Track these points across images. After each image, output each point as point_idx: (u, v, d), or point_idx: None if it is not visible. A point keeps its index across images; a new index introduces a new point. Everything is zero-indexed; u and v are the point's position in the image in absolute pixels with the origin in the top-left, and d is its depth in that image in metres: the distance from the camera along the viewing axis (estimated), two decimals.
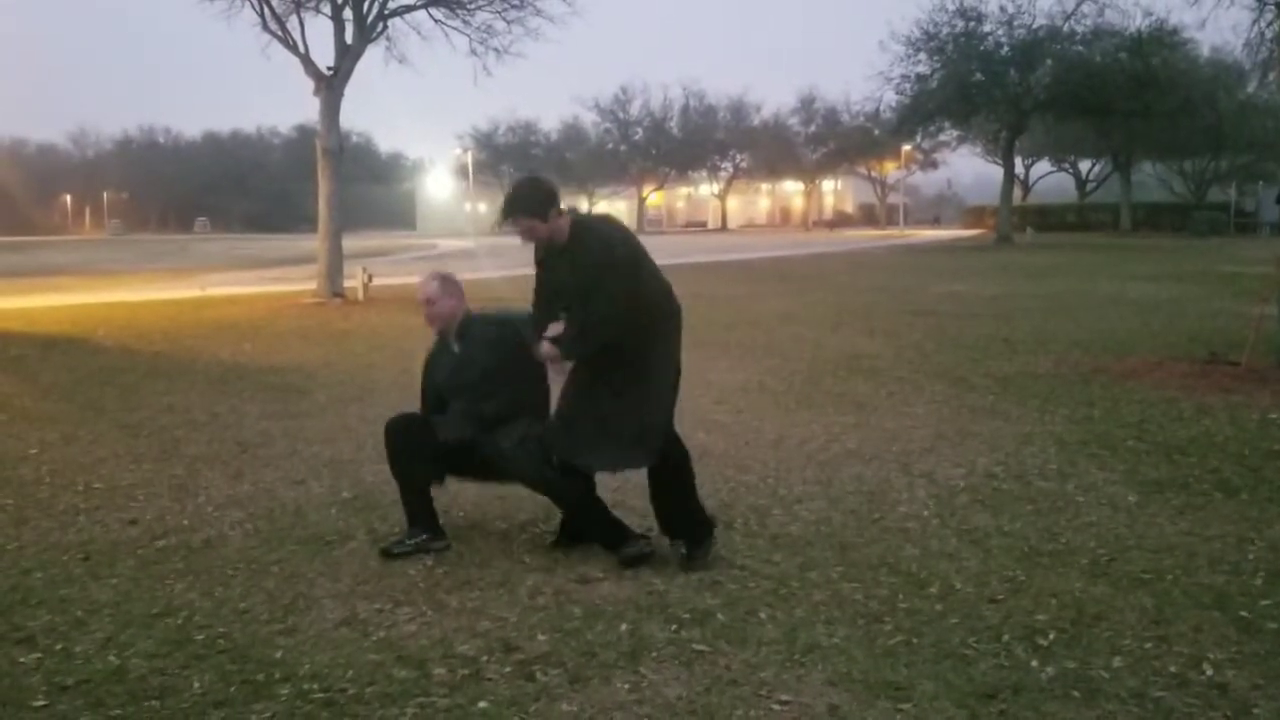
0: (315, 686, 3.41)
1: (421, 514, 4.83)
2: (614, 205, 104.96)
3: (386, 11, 19.80)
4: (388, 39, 20.78)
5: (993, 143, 58.34)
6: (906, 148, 75.67)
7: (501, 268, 21.36)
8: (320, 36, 19.48)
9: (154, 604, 4.15)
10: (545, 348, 4.54)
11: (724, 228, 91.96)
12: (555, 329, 4.58)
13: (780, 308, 16.69)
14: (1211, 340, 11.26)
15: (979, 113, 47.95)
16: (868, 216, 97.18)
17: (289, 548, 4.83)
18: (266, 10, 19.25)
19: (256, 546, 4.86)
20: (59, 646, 3.75)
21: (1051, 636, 3.72)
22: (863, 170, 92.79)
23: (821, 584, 4.27)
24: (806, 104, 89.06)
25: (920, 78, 46.08)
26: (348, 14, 19.16)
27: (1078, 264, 28.68)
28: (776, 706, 3.25)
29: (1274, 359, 9.57)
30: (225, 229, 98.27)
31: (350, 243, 19.20)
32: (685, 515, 4.66)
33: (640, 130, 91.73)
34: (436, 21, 20.96)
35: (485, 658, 3.61)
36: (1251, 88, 47.45)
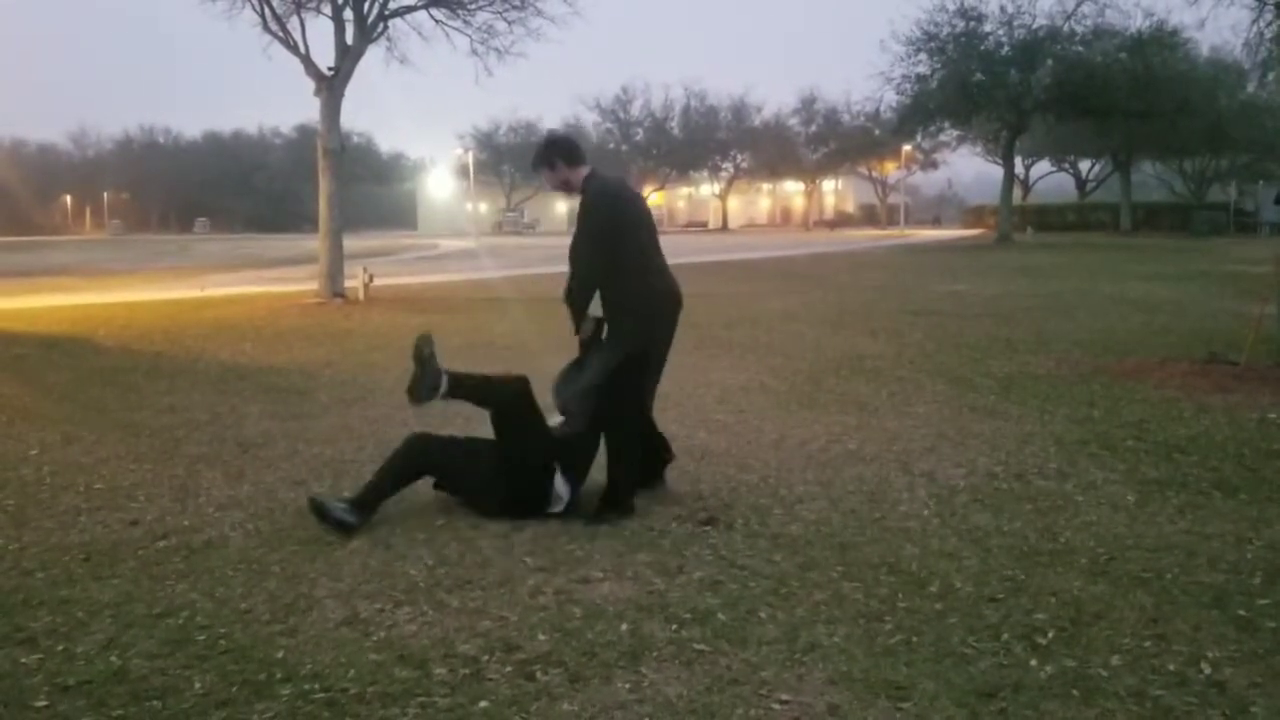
0: (317, 686, 3.41)
1: (372, 504, 5.15)
2: None
3: (387, 12, 19.81)
4: (388, 39, 20.80)
5: (993, 143, 58.40)
6: (907, 148, 75.75)
7: (502, 268, 21.44)
8: (321, 37, 19.50)
9: (155, 604, 4.15)
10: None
11: (725, 228, 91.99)
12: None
13: (781, 307, 16.70)
14: (1212, 340, 11.26)
15: (979, 113, 47.97)
16: (868, 216, 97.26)
17: (290, 548, 4.84)
18: (267, 11, 19.26)
19: (258, 547, 4.87)
20: (60, 647, 3.76)
21: (1051, 635, 3.72)
22: (863, 170, 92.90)
23: (822, 584, 4.28)
24: (807, 104, 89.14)
25: (921, 78, 46.13)
26: (348, 14, 19.16)
27: (1078, 264, 28.70)
28: (777, 706, 3.26)
29: (1274, 359, 9.58)
30: (226, 229, 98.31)
31: (351, 243, 19.21)
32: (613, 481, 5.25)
33: (641, 130, 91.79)
34: (437, 22, 20.98)
35: (486, 657, 3.62)
36: (1251, 87, 47.50)
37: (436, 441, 5.44)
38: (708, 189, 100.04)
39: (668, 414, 7.79)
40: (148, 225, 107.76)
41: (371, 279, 19.23)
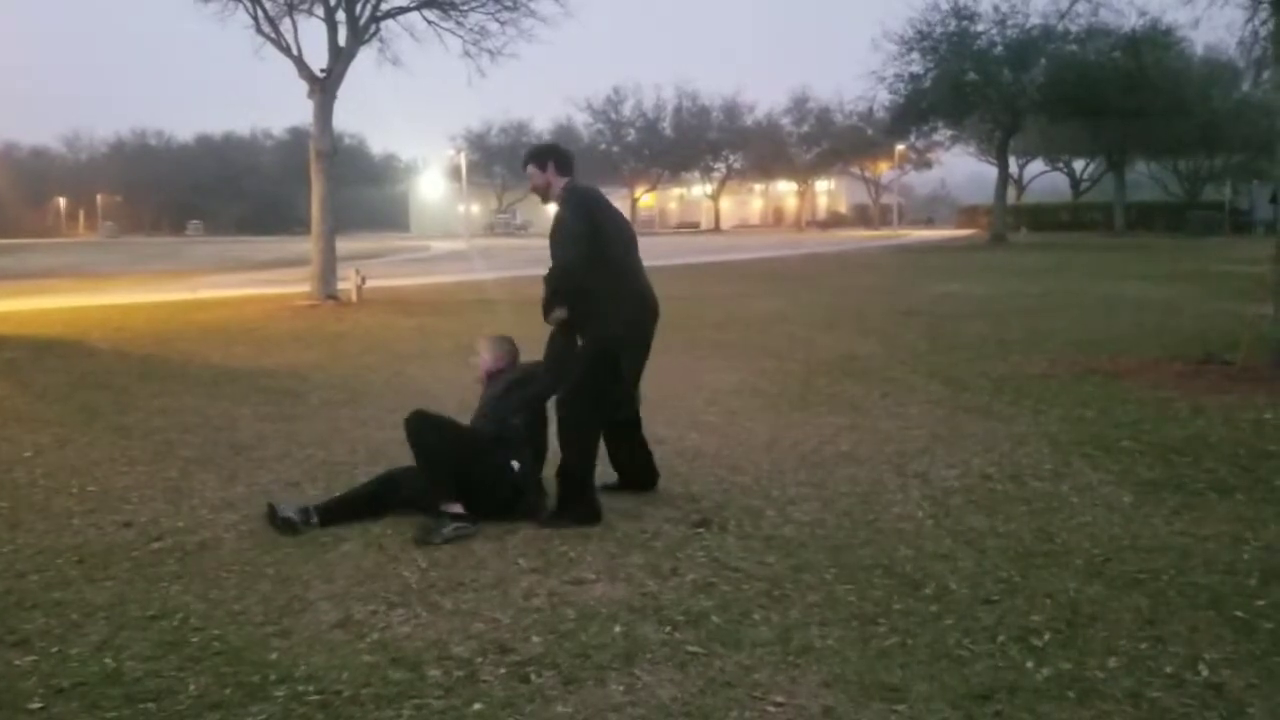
0: (310, 688, 3.40)
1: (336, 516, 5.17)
2: None
3: (379, 14, 19.79)
4: (381, 41, 20.78)
5: (986, 142, 58.52)
6: (900, 147, 75.75)
7: (494, 269, 21.43)
8: (313, 39, 19.52)
9: (149, 606, 4.14)
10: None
11: (717, 228, 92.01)
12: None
13: (773, 308, 16.71)
14: (1207, 340, 11.27)
15: (972, 112, 48.08)
16: (861, 216, 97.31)
17: (283, 550, 4.83)
18: (260, 12, 19.24)
19: (251, 549, 4.86)
20: (54, 649, 3.74)
21: (1046, 637, 3.72)
22: (856, 170, 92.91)
23: (815, 586, 4.27)
24: (799, 104, 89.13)
25: (914, 77, 46.21)
26: (340, 16, 19.14)
27: (1072, 264, 28.75)
28: (771, 708, 3.25)
29: (1269, 358, 9.59)
30: (218, 231, 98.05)
31: (343, 244, 19.20)
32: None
33: (633, 131, 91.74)
34: (429, 23, 20.97)
35: (480, 659, 3.61)
36: (1246, 86, 47.54)
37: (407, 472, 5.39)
38: (700, 189, 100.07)
39: (658, 416, 7.78)
40: (140, 228, 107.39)
41: (364, 281, 19.21)
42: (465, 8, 20.89)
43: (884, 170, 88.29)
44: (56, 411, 8.45)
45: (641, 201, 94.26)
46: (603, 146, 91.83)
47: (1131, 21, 43.27)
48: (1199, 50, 49.10)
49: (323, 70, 19.04)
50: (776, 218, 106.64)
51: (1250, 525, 5.02)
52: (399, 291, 21.55)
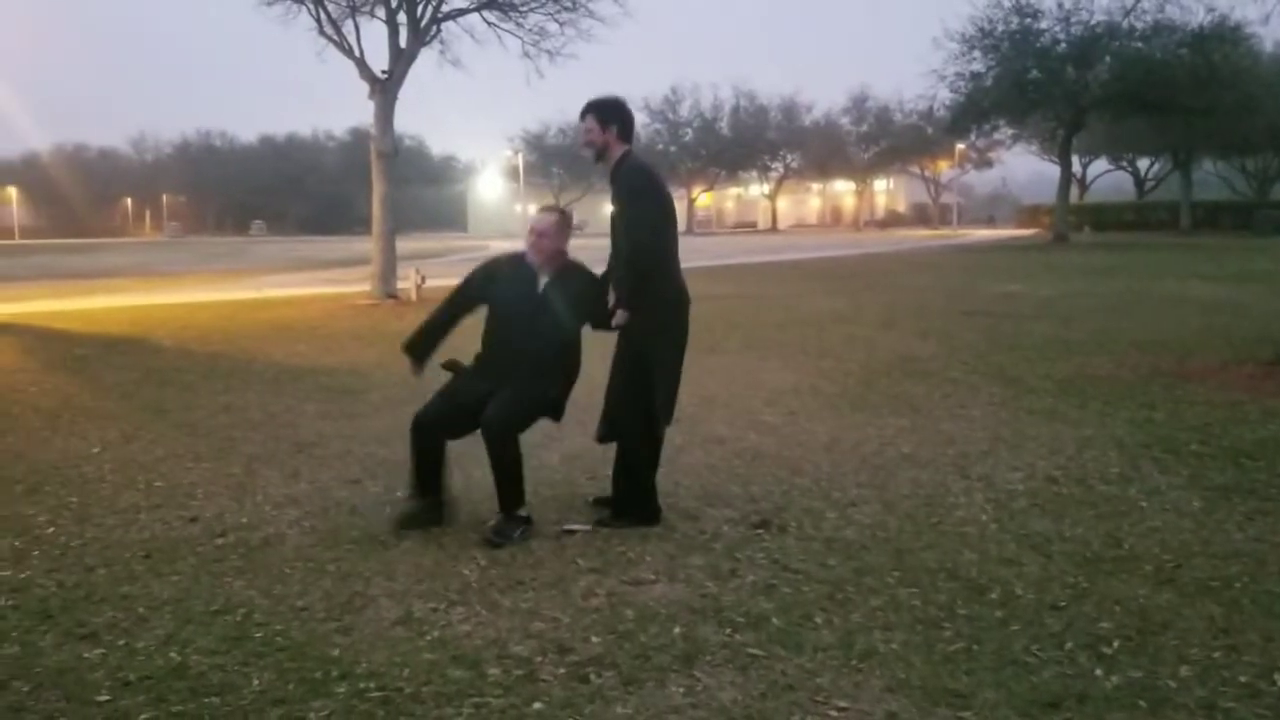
0: (372, 685, 3.42)
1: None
2: None
3: (440, 15, 19.96)
4: (441, 42, 20.95)
5: (1049, 141, 57.66)
6: (960, 146, 75.00)
7: None
8: (375, 40, 19.70)
9: (213, 601, 4.19)
10: (617, 316, 4.99)
11: (774, 228, 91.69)
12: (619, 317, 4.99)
13: (832, 308, 16.58)
14: (1277, 341, 10.99)
15: (1035, 110, 47.42)
16: (920, 216, 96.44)
17: (345, 547, 4.87)
18: (323, 15, 19.49)
19: (313, 545, 4.90)
20: (121, 643, 3.80)
21: (1116, 645, 3.64)
22: (915, 169, 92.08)
23: (878, 589, 4.22)
24: (858, 103, 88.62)
25: (975, 75, 45.70)
26: (402, 18, 19.33)
27: (1137, 264, 28.24)
28: (834, 713, 3.21)
29: None
30: (281, 231, 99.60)
31: (403, 244, 19.39)
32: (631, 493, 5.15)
33: (690, 131, 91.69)
34: (489, 24, 21.11)
35: (539, 659, 3.61)
36: None
37: (434, 413, 5.24)
38: (757, 189, 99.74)
39: (716, 415, 7.76)
40: (204, 227, 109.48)
41: (423, 280, 19.37)
42: (525, 9, 21.01)
43: (944, 169, 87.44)
44: (123, 408, 8.61)
45: (699, 201, 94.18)
46: (660, 146, 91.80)
47: (1199, 18, 42.44)
48: (1268, 47, 48.10)
49: (384, 71, 19.24)
50: (834, 217, 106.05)
51: None
52: None
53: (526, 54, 21.52)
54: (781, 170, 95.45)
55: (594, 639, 3.76)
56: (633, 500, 5.15)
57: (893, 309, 16.30)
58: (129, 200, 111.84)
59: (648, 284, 4.97)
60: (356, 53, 19.43)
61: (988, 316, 14.88)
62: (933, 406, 8.13)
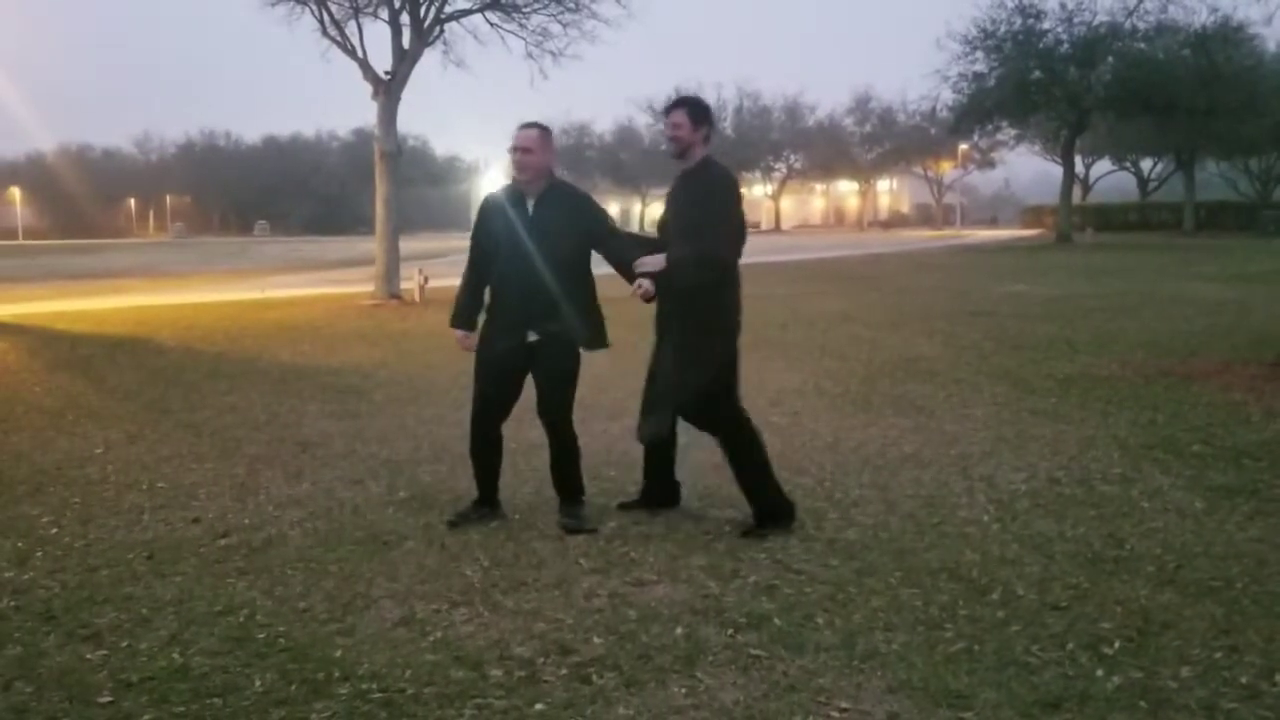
0: (374, 686, 3.43)
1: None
2: None
3: (443, 16, 19.98)
4: (444, 43, 20.98)
5: (1052, 141, 57.67)
6: (963, 147, 74.96)
7: None
8: (378, 41, 19.73)
9: (216, 602, 4.20)
10: (646, 285, 4.85)
11: (777, 228, 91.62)
12: (651, 262, 4.84)
13: (835, 308, 16.58)
14: (1279, 342, 11.01)
15: (1038, 111, 47.37)
16: (924, 216, 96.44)
17: (347, 547, 4.88)
18: (326, 16, 19.52)
19: (316, 546, 4.91)
20: (124, 643, 3.81)
21: (1117, 645, 3.64)
22: (919, 170, 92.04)
23: (880, 590, 4.22)
24: (862, 103, 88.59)
25: (978, 76, 45.66)
26: (405, 19, 19.35)
27: (1140, 264, 28.20)
28: (835, 714, 3.21)
29: None
30: (284, 231, 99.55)
31: (407, 244, 19.42)
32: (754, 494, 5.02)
33: None
34: (493, 25, 21.13)
35: (541, 660, 3.61)
36: None
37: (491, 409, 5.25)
38: (760, 189, 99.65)
39: None
40: (209, 228, 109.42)
41: (427, 280, 19.39)
42: (528, 10, 21.03)
43: (947, 170, 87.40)
44: (127, 408, 8.62)
45: None
46: (663, 147, 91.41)
47: (1202, 18, 42.41)
48: (1271, 47, 48.03)
49: (387, 72, 19.26)
50: (838, 217, 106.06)
51: None
52: None
53: (530, 55, 21.55)
54: (785, 170, 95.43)
55: (596, 640, 3.77)
56: (764, 502, 5.02)
57: (896, 309, 16.30)
58: (133, 200, 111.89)
59: (714, 287, 4.90)
60: (360, 53, 19.46)
61: (991, 317, 14.88)
62: (936, 407, 8.13)
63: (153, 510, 5.56)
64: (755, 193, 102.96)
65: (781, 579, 4.35)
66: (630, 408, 8.08)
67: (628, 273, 4.97)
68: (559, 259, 5.00)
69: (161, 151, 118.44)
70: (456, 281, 5.58)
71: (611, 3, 21.33)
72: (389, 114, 19.26)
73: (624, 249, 5.07)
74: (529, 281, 4.99)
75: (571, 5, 20.89)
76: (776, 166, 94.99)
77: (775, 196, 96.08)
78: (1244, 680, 3.38)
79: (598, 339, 5.18)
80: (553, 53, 21.54)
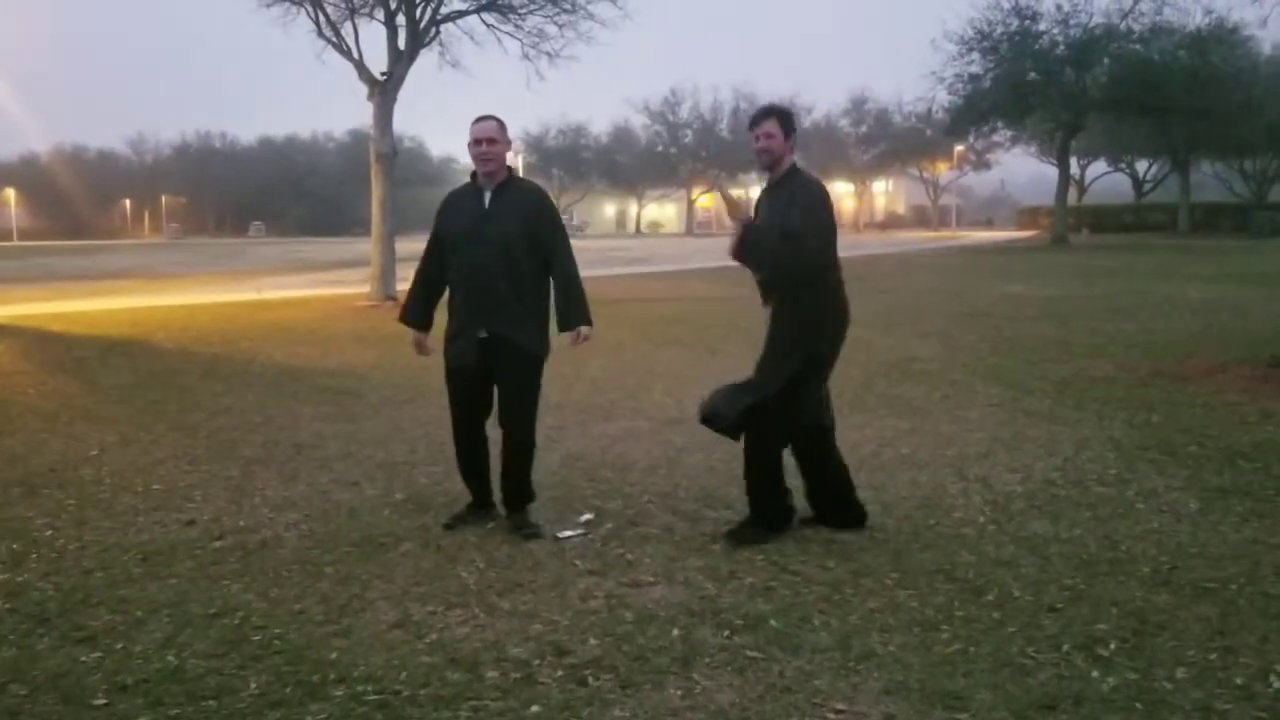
0: (369, 688, 3.42)
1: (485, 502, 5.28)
2: (664, 207, 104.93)
3: (439, 17, 19.97)
4: (440, 44, 20.96)
5: (1048, 143, 57.66)
6: (959, 148, 74.99)
7: None
8: (374, 42, 19.71)
9: (211, 604, 4.20)
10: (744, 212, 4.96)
11: None
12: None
13: None
14: (1275, 343, 11.01)
15: (1033, 113, 47.40)
16: (920, 218, 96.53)
17: (343, 549, 4.87)
18: (321, 17, 19.50)
19: (311, 548, 4.91)
20: (119, 646, 3.80)
21: (1113, 646, 3.65)
22: (915, 171, 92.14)
23: (876, 591, 4.22)
24: (858, 104, 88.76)
25: (973, 77, 45.68)
26: (401, 20, 19.34)
27: (1135, 265, 28.24)
28: (831, 715, 3.21)
29: None
30: (280, 232, 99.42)
31: (403, 246, 19.34)
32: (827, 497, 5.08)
33: (690, 132, 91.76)
34: (489, 26, 21.13)
35: (537, 661, 3.61)
36: None
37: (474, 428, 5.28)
38: (757, 191, 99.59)
39: None
40: (204, 229, 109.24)
41: None
42: (524, 11, 21.04)
43: (943, 171, 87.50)
44: (122, 410, 8.61)
45: (699, 203, 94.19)
46: (660, 148, 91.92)
47: (1197, 20, 42.55)
48: (1266, 49, 48.15)
49: (383, 73, 19.24)
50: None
51: None
52: None
53: (526, 56, 21.57)
54: None
55: (592, 641, 3.77)
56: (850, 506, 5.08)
57: (892, 310, 16.30)
58: (128, 201, 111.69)
59: (811, 292, 4.88)
60: (355, 54, 19.45)
61: (987, 318, 14.89)
62: (931, 408, 8.14)
63: (147, 512, 5.55)
64: (753, 195, 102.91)
65: (778, 580, 4.35)
66: (627, 408, 8.11)
67: (561, 319, 5.09)
68: (513, 254, 4.99)
69: (156, 152, 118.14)
70: None
71: (607, 4, 21.35)
72: (385, 115, 19.24)
73: (564, 292, 5.11)
74: (482, 276, 4.98)
75: (568, 6, 20.92)
76: None
77: None
78: (1239, 681, 3.38)
79: (545, 342, 5.15)
80: (549, 54, 21.58)
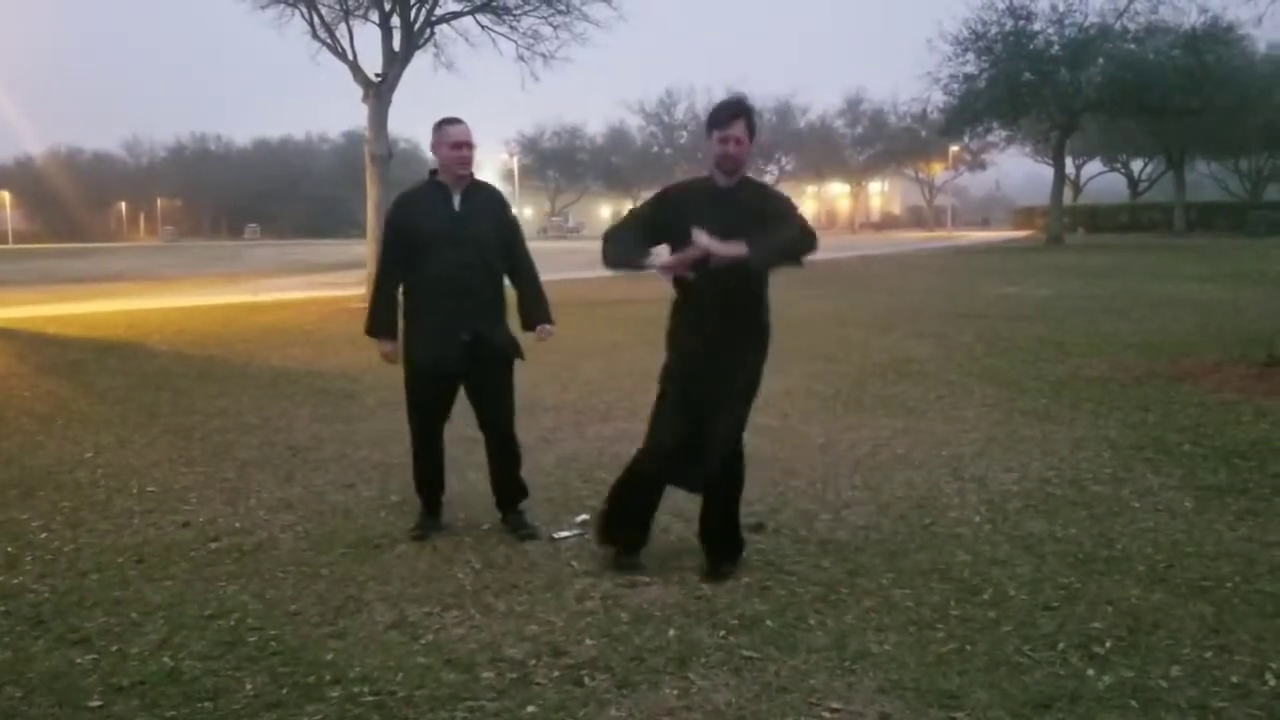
0: (365, 689, 3.42)
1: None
2: None
3: (434, 18, 19.96)
4: (435, 45, 20.97)
5: (1043, 143, 57.71)
6: (954, 149, 75.07)
7: (547, 271, 21.50)
8: (369, 44, 19.72)
9: (207, 606, 4.19)
10: (720, 246, 4.09)
11: None
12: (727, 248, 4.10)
13: (826, 310, 16.60)
14: (1270, 342, 11.01)
15: (1028, 113, 47.46)
16: (915, 218, 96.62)
17: (339, 551, 4.87)
18: (316, 18, 19.49)
19: (307, 549, 4.90)
20: (114, 648, 3.80)
21: (1108, 645, 3.65)
22: (910, 172, 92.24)
23: (871, 590, 4.23)
24: (853, 105, 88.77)
25: (969, 77, 45.70)
26: (395, 21, 19.33)
27: (1131, 265, 28.27)
28: (827, 714, 3.22)
29: None
30: (276, 235, 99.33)
31: None
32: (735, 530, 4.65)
33: (685, 133, 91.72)
34: (484, 28, 21.14)
35: (533, 662, 3.61)
36: None
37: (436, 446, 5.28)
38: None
39: None
40: (200, 231, 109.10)
41: None
42: (518, 12, 21.04)
43: (938, 172, 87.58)
44: (117, 412, 8.59)
45: None
46: (655, 149, 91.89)
47: (1192, 19, 42.54)
48: (1261, 48, 48.20)
49: (377, 75, 19.23)
50: (829, 220, 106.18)
51: None
52: None
53: (521, 57, 21.57)
54: (776, 173, 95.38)
55: (588, 641, 3.77)
56: (733, 535, 4.61)
57: (888, 311, 16.32)
58: (123, 204, 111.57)
59: (767, 318, 4.52)
60: (350, 56, 19.44)
61: (983, 318, 14.90)
62: (927, 408, 8.14)
63: (143, 514, 5.54)
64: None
65: (774, 580, 4.35)
66: (623, 410, 8.10)
67: (525, 317, 5.15)
68: (489, 255, 5.02)
69: (152, 155, 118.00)
70: None
71: (602, 5, 21.34)
72: (380, 117, 19.23)
73: (529, 291, 5.17)
74: (462, 278, 4.94)
75: (563, 7, 20.93)
76: (768, 169, 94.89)
77: None
78: (1234, 679, 3.39)
79: (517, 346, 5.17)
80: (544, 55, 21.58)
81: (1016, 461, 6.35)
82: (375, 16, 19.50)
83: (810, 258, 4.45)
